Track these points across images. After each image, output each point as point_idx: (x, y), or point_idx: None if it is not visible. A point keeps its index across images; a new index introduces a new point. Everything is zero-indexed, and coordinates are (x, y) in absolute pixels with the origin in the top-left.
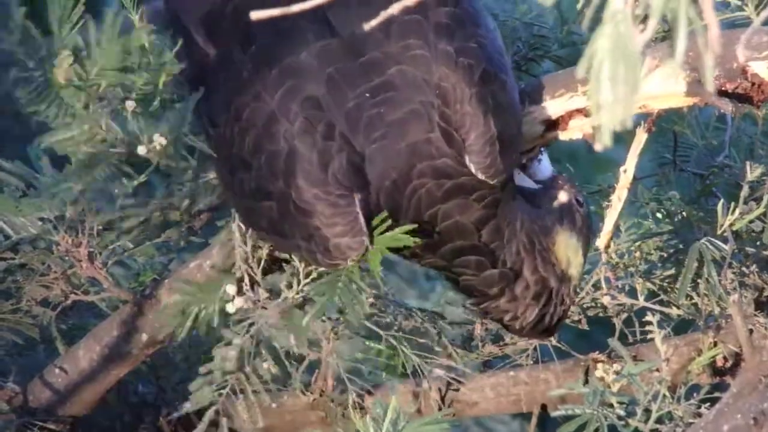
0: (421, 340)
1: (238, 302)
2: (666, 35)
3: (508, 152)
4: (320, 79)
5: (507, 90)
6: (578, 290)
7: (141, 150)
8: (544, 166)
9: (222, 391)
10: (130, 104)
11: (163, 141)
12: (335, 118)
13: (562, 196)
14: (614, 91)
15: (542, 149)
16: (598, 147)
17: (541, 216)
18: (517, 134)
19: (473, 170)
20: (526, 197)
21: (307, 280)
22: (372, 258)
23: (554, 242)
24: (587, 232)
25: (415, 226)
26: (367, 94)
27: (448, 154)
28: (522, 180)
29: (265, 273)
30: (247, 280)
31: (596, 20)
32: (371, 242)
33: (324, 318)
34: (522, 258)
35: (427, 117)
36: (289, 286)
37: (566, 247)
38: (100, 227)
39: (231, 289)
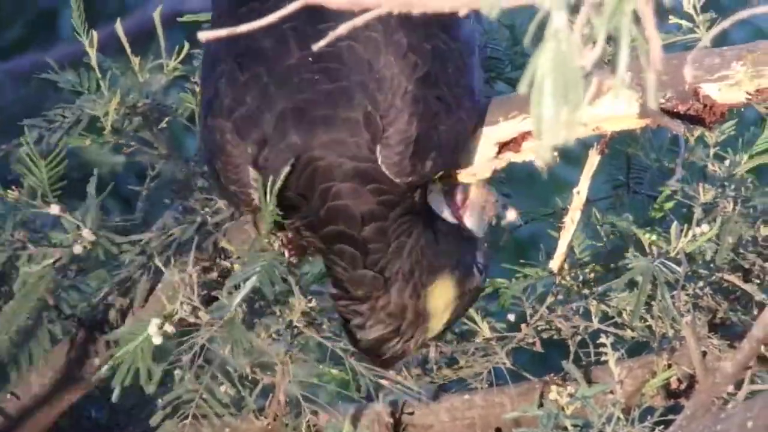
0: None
1: (157, 340)
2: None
3: (423, 159)
4: (274, 32)
5: (446, 100)
6: (426, 345)
7: (76, 249)
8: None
9: (185, 420)
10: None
11: (92, 236)
12: (270, 70)
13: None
14: (555, 108)
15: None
16: (539, 164)
17: (437, 254)
18: (442, 147)
19: (379, 162)
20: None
21: (247, 289)
22: (263, 218)
23: (433, 285)
24: (470, 301)
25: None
26: (311, 59)
27: (363, 137)
28: (442, 209)
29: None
30: (186, 308)
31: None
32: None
33: (276, 337)
34: (397, 278)
35: (357, 98)
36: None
37: (441, 296)
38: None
39: (152, 328)
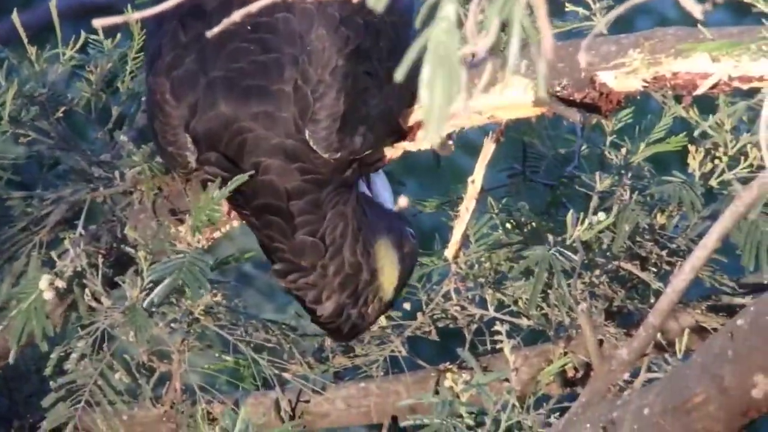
0: (273, 350)
1: (48, 295)
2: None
3: (351, 134)
4: None
5: (376, 75)
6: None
7: None
8: (385, 198)
9: (77, 405)
10: None
11: None
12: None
13: (402, 201)
14: (433, 96)
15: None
16: (432, 150)
17: (373, 219)
18: (372, 123)
19: (306, 136)
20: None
21: (151, 277)
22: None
23: (378, 244)
24: (410, 264)
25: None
26: (249, 27)
27: (291, 111)
28: (380, 195)
29: (117, 275)
30: (88, 292)
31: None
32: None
33: (174, 327)
34: (345, 239)
35: (287, 71)
36: (133, 284)
37: (386, 256)
38: None
39: (43, 283)
